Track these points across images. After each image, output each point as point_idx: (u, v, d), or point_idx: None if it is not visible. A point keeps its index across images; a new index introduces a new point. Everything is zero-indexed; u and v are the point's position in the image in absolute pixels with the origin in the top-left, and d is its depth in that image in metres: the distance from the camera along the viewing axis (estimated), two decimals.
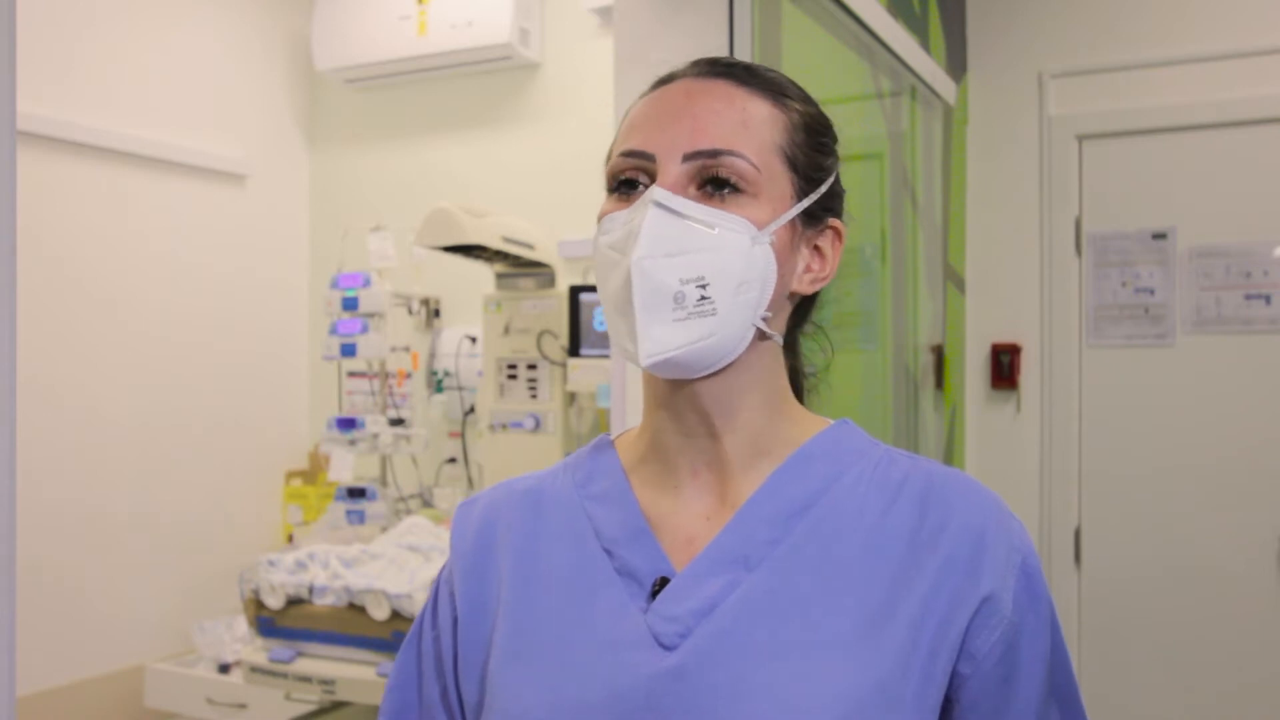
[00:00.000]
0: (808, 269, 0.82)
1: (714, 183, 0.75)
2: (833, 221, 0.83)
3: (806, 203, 0.79)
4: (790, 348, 0.87)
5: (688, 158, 0.75)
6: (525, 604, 0.81)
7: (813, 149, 0.81)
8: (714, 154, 0.75)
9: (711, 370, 0.77)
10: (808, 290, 0.82)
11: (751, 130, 0.77)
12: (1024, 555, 0.77)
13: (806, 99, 0.83)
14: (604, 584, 0.79)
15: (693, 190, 0.76)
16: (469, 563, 0.86)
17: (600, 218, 0.79)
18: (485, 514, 0.88)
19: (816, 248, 0.82)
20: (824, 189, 0.81)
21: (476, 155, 3.56)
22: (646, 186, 0.77)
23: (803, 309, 0.86)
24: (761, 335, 0.79)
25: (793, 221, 0.79)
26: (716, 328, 0.74)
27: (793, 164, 0.79)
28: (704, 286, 0.74)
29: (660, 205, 0.74)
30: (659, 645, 0.75)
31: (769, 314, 0.78)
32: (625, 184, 0.78)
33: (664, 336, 0.73)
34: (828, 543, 0.77)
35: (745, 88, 0.79)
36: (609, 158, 0.82)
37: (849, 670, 0.72)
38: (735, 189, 0.75)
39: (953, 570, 0.75)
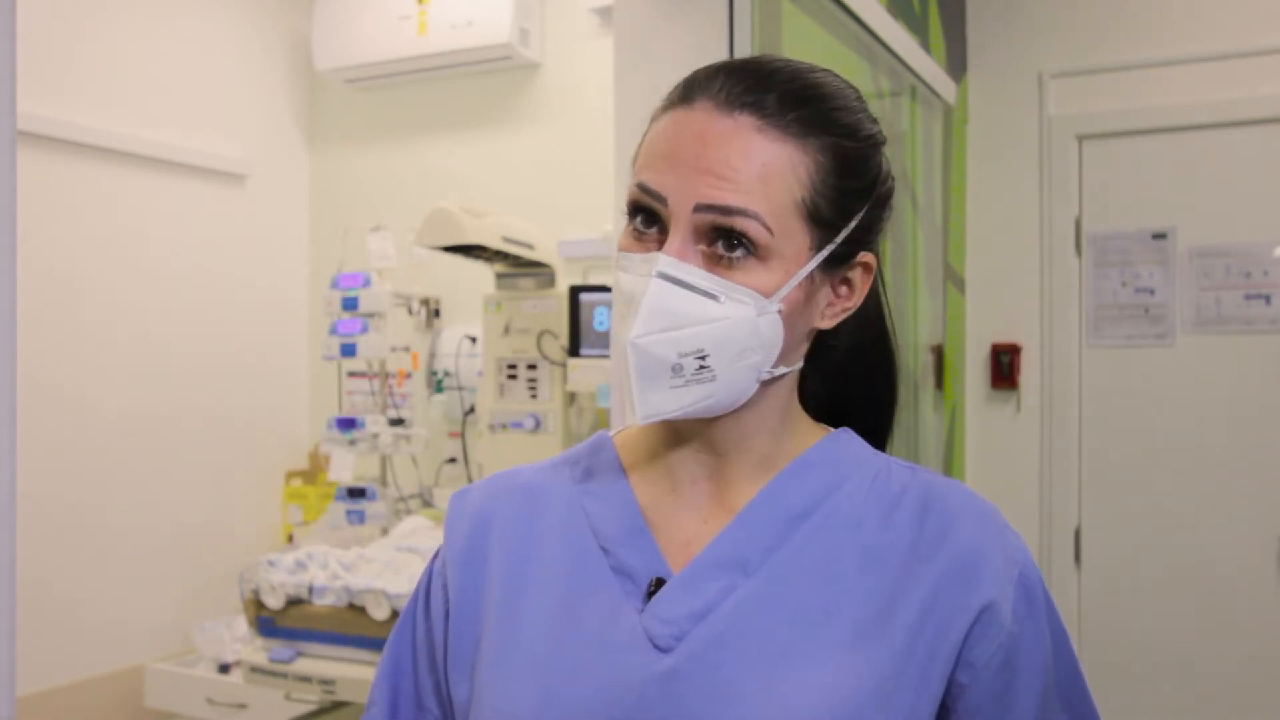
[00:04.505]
0: (830, 304, 0.79)
1: (725, 240, 0.72)
2: (863, 257, 0.78)
3: (823, 255, 0.75)
4: (811, 359, 0.84)
5: (699, 209, 0.71)
6: (517, 600, 0.80)
7: (840, 192, 0.75)
8: (726, 211, 0.71)
9: (715, 416, 0.77)
10: (830, 325, 0.80)
11: (769, 186, 0.72)
12: (1021, 567, 0.77)
13: (848, 124, 0.76)
14: (599, 582, 0.78)
15: (701, 246, 0.73)
16: (463, 554, 0.85)
17: (619, 248, 0.77)
18: (480, 506, 0.87)
19: (846, 279, 0.79)
20: (846, 233, 0.76)
21: (476, 155, 3.56)
22: (661, 228, 0.74)
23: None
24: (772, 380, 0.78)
25: (811, 273, 0.75)
26: (715, 391, 0.74)
27: (814, 216, 0.74)
28: (703, 358, 0.73)
29: (664, 277, 0.72)
30: (653, 647, 0.74)
31: (775, 370, 0.77)
32: (641, 214, 0.75)
33: (661, 401, 0.73)
34: (825, 551, 0.77)
35: (771, 127, 0.72)
36: (635, 158, 0.78)
37: (843, 678, 0.72)
38: (746, 250, 0.72)
39: (950, 581, 0.75)
